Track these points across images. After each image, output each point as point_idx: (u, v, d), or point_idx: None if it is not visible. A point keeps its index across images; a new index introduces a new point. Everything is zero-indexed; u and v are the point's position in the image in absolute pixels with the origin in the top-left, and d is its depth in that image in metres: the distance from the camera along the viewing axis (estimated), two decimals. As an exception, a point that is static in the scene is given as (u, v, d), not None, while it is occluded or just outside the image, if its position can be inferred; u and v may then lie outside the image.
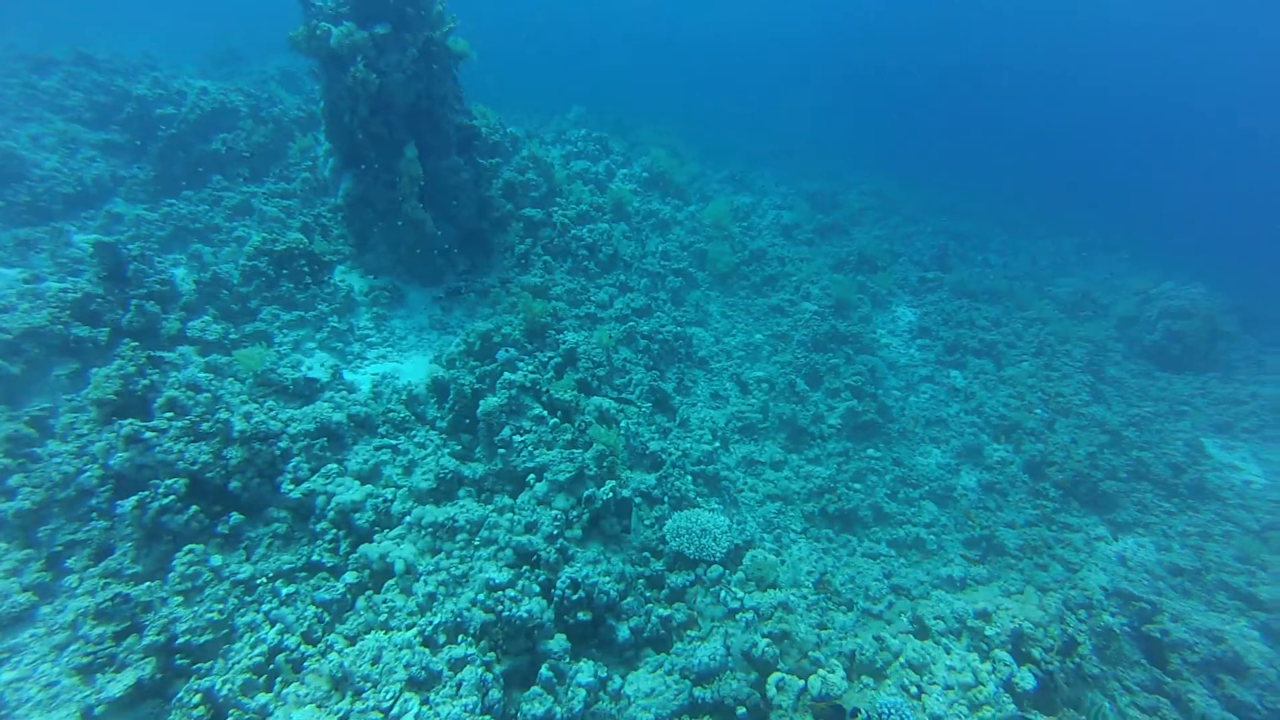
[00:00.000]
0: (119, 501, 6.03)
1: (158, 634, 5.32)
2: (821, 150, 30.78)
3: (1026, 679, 5.70)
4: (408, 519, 6.61)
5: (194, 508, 6.18)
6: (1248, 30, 52.42)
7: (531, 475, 7.30)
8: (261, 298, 9.55)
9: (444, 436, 8.03)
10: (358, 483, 7.01)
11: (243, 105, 13.75)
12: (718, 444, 9.46)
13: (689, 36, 60.81)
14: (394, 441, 7.76)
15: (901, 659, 5.70)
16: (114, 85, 14.54)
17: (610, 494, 7.01)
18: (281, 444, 7.01)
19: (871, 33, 67.19)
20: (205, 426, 6.73)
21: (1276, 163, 45.21)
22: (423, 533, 6.43)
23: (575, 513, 6.94)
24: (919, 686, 5.40)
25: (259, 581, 6.08)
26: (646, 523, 7.27)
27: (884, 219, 21.37)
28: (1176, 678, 7.56)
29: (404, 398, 8.33)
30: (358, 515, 6.65)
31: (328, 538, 6.54)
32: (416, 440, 7.85)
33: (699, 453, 8.99)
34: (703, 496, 8.48)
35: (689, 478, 8.48)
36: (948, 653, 5.90)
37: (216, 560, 6.06)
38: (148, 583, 5.72)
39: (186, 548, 5.95)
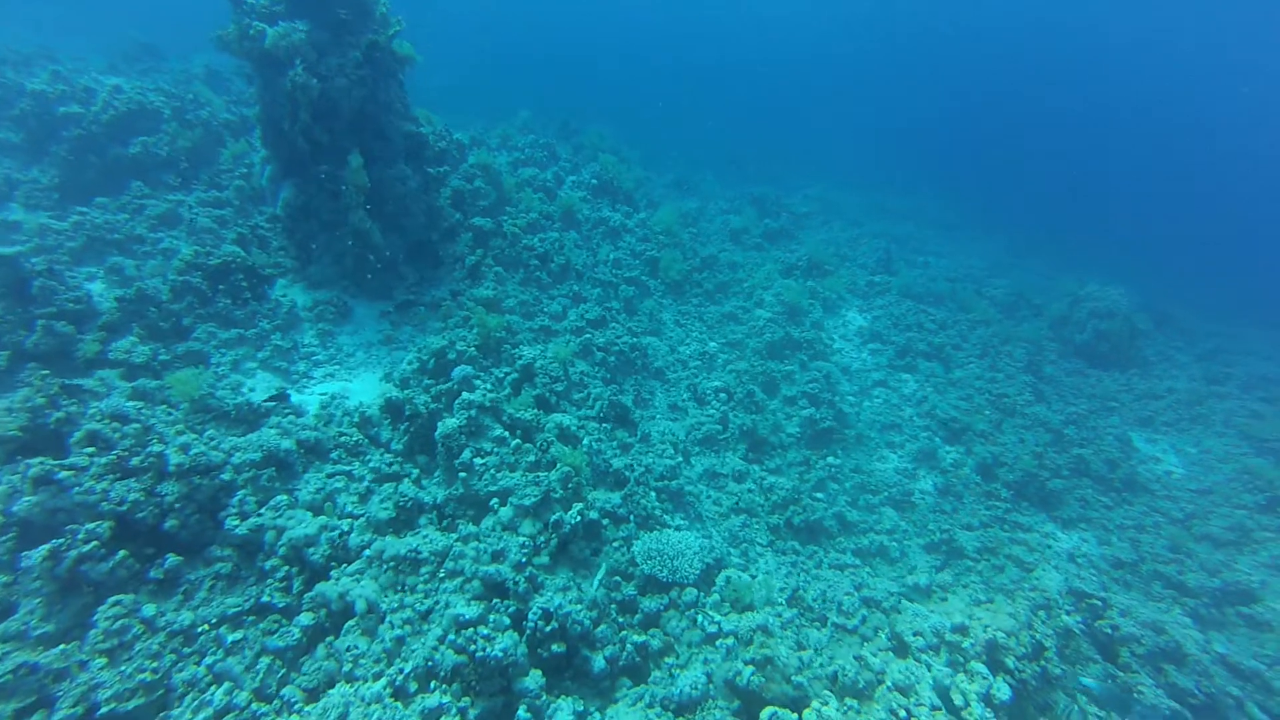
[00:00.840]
0: (23, 553, 5.37)
1: (74, 706, 4.73)
2: (762, 154, 31.26)
3: (1002, 690, 5.82)
4: (367, 552, 6.25)
5: (121, 553, 5.67)
6: (1162, 40, 55.95)
7: (495, 499, 7.03)
8: (195, 315, 8.94)
9: (401, 460, 7.66)
10: (310, 515, 6.60)
11: (165, 107, 12.86)
12: (680, 458, 9.37)
13: (629, 38, 60.79)
14: (348, 468, 7.37)
15: (888, 682, 5.72)
16: (2, 78, 13.33)
17: (578, 517, 6.82)
18: (224, 476, 6.54)
19: (803, 37, 68.76)
20: (135, 461, 6.20)
21: (1178, 168, 48.50)
22: (384, 567, 6.09)
23: (543, 538, 6.72)
24: (907, 710, 5.42)
25: (200, 629, 5.63)
26: (615, 545, 7.10)
27: (828, 223, 21.81)
28: (1127, 670, 7.88)
29: (356, 420, 7.92)
30: (312, 550, 6.25)
31: (279, 576, 6.13)
32: (372, 465, 7.47)
33: (661, 468, 8.89)
34: (667, 513, 8.37)
35: (653, 494, 8.36)
36: (929, 669, 5.96)
37: (149, 610, 5.57)
38: (62, 645, 5.06)
39: (112, 599, 5.43)
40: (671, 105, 38.64)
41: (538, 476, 7.08)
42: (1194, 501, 11.92)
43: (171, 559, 5.88)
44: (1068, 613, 8.10)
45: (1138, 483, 11.96)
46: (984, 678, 5.88)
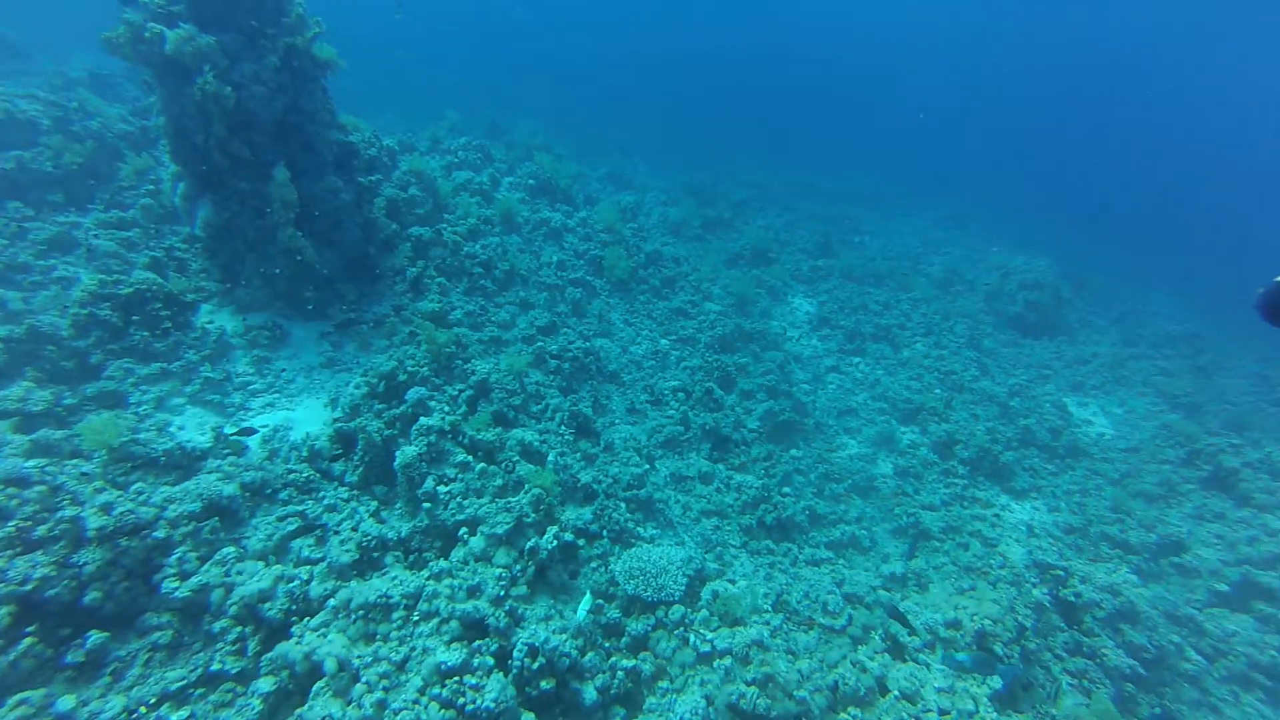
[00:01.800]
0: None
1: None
2: (694, 141, 31.24)
3: (994, 679, 5.92)
4: (332, 602, 5.81)
5: (26, 640, 5.06)
6: (1083, 22, 58.89)
7: (464, 529, 6.68)
8: (105, 351, 8.14)
9: (357, 494, 7.19)
10: (263, 565, 6.10)
11: (42, 116, 11.64)
12: (645, 464, 9.19)
13: (552, 32, 59.69)
14: (300, 508, 6.84)
15: (894, 690, 5.72)
16: None
17: (554, 541, 6.55)
18: (158, 533, 5.96)
19: (723, 21, 69.20)
20: (42, 531, 5.56)
21: (1087, 141, 51.41)
22: (353, 617, 5.68)
23: (519, 567, 6.42)
24: (916, 719, 5.44)
25: (137, 713, 5.08)
26: (593, 565, 6.87)
27: (764, 209, 21.94)
28: (1090, 635, 8.22)
29: (305, 454, 7.39)
30: (267, 606, 5.77)
31: (230, 638, 5.63)
32: (327, 503, 6.97)
33: (628, 476, 8.68)
34: (639, 523, 8.18)
35: (623, 505, 8.15)
36: (928, 668, 6.01)
37: (67, 703, 4.96)
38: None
39: (14, 699, 4.81)
40: (600, 96, 38.18)
41: (508, 502, 6.76)
42: (1126, 461, 12.58)
43: (95, 637, 5.27)
44: (1034, 586, 8.38)
45: (1079, 447, 12.54)
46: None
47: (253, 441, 7.74)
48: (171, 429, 7.65)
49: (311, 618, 5.77)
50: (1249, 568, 9.81)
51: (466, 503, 6.83)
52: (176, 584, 5.76)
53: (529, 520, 6.69)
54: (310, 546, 6.49)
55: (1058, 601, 8.24)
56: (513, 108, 23.79)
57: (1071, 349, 16.78)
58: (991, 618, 6.63)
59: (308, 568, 6.21)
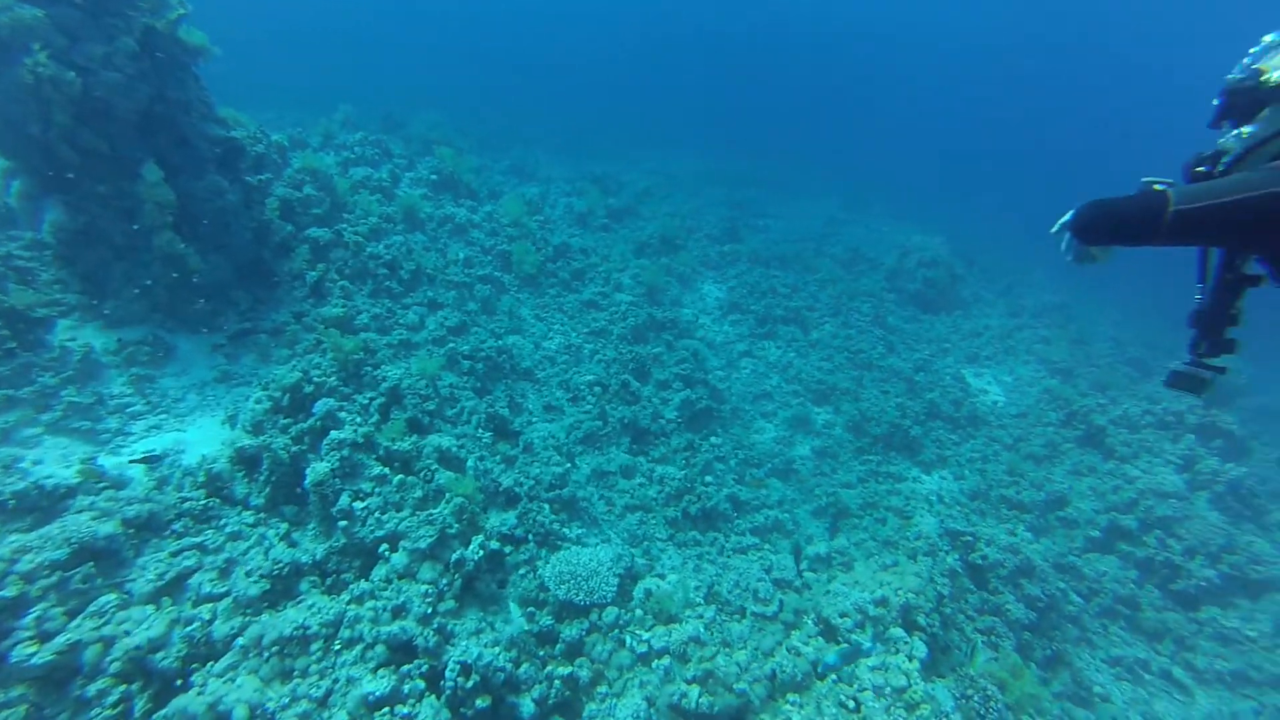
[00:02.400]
0: None
1: None
2: (595, 129, 31.12)
3: (919, 649, 6.34)
4: (240, 641, 5.47)
5: None
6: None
7: (384, 545, 6.46)
8: (-66, 381, 7.27)
9: (265, 517, 6.79)
10: (153, 609, 5.66)
11: None
12: (566, 462, 9.18)
13: (446, 20, 57.58)
14: (198, 539, 6.39)
15: (830, 675, 5.99)
16: None
17: (480, 552, 6.45)
18: (7, 592, 5.37)
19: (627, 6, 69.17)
20: None
21: (975, 126, 55.08)
22: (265, 655, 5.37)
23: (445, 581, 6.28)
24: (855, 700, 5.73)
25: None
26: (521, 572, 6.81)
27: (670, 196, 22.14)
28: (996, 594, 8.95)
29: (201, 478, 6.88)
30: (160, 656, 5.36)
31: (110, 701, 5.08)
32: (229, 531, 6.54)
33: (550, 476, 8.66)
34: (563, 524, 8.18)
35: (546, 506, 8.12)
36: (865, 654, 6.34)
37: None
38: None
39: None
40: (502, 87, 37.31)
41: (430, 514, 6.58)
42: (1017, 426, 13.68)
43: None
44: (946, 553, 9.00)
45: (978, 416, 13.51)
46: (905, 642, 6.38)
47: (136, 470, 7.15)
48: (23, 465, 6.91)
49: (216, 662, 5.41)
50: (1115, 514, 10.96)
51: (385, 517, 6.60)
52: (34, 649, 5.17)
53: (452, 531, 6.55)
54: (212, 581, 6.07)
55: (967, 565, 8.91)
56: (410, 99, 22.84)
57: (966, 322, 18.01)
58: (914, 590, 7.08)
59: (209, 605, 5.80)
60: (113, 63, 8.00)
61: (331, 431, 7.14)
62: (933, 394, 13.63)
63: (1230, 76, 2.57)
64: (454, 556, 6.38)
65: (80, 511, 6.31)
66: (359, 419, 7.69)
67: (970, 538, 9.24)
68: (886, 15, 67.94)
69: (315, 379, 7.80)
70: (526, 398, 10.52)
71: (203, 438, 7.98)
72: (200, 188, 8.77)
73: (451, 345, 9.98)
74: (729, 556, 8.69)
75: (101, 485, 6.76)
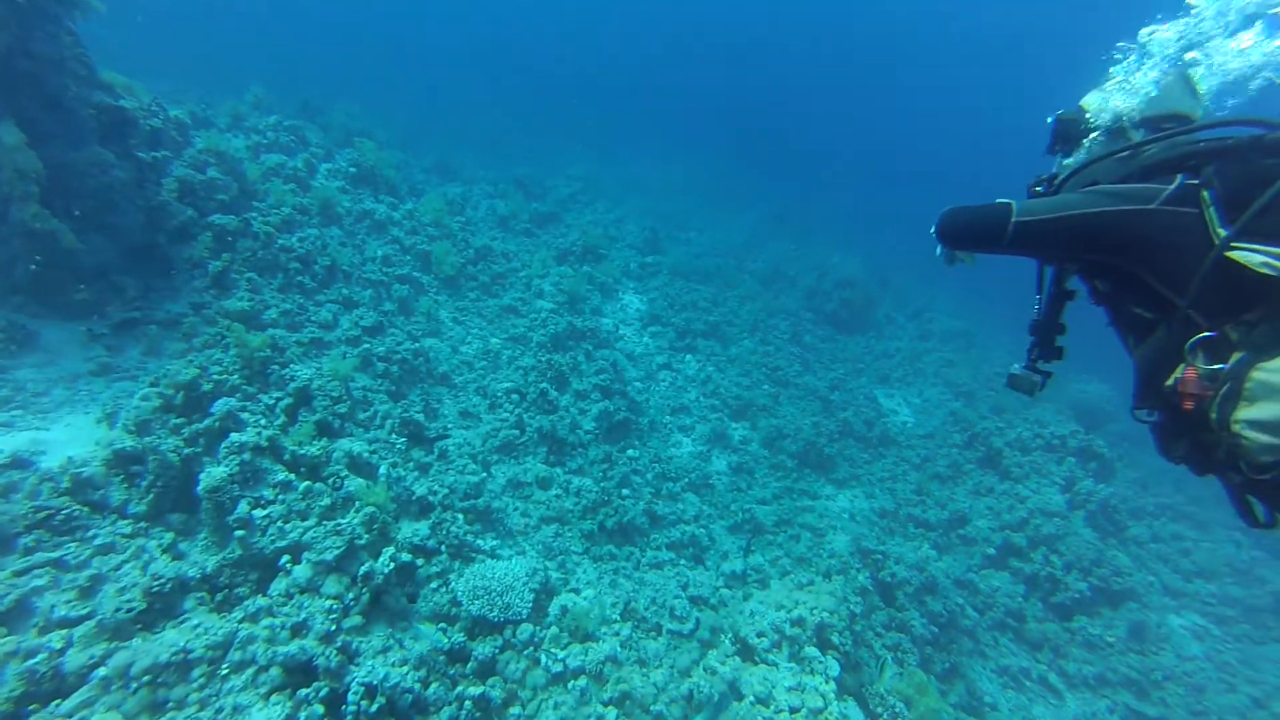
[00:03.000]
0: None
1: None
2: (521, 130, 30.84)
3: (833, 667, 6.62)
4: (100, 672, 5.04)
5: None
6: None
7: (285, 557, 6.17)
8: None
9: (146, 527, 6.34)
10: (-6, 637, 5.16)
11: None
12: (484, 472, 9.06)
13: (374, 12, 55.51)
14: (54, 554, 5.89)
15: (749, 695, 6.15)
16: None
17: (390, 564, 6.27)
18: None
19: (554, 14, 69.03)
20: None
21: (891, 150, 58.11)
22: (133, 686, 5.00)
23: (352, 595, 6.06)
24: None
25: None
26: (433, 586, 6.67)
27: (592, 203, 22.22)
28: (902, 610, 9.46)
29: (64, 484, 6.34)
30: (-3, 694, 4.86)
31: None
32: (98, 544, 6.06)
33: (465, 485, 8.53)
34: (477, 535, 8.07)
35: (460, 516, 7.99)
36: (775, 668, 6.55)
37: None
38: None
39: None
40: (427, 82, 36.38)
41: (338, 523, 6.34)
42: (925, 446, 14.53)
43: None
44: (858, 570, 9.45)
45: (889, 436, 14.25)
46: (819, 661, 6.66)
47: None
48: None
49: (64, 700, 4.93)
50: (1008, 532, 11.85)
51: (288, 527, 6.31)
52: None
53: (362, 542, 6.34)
54: (69, 603, 5.56)
55: (877, 583, 9.39)
56: (330, 87, 21.87)
57: (879, 343, 18.99)
58: (829, 610, 7.41)
59: (61, 633, 5.32)
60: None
61: (231, 434, 6.77)
62: (846, 413, 14.29)
63: (1059, 112, 2.97)
64: (362, 569, 6.17)
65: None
66: (263, 420, 7.32)
67: (880, 556, 9.75)
68: (820, 34, 70.88)
69: (215, 376, 7.37)
70: (442, 403, 10.31)
71: (70, 438, 7.35)
72: (79, 159, 8.13)
73: (366, 346, 9.66)
74: (645, 571, 8.81)
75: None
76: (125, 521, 6.43)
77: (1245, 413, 1.87)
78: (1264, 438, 1.83)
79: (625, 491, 10.10)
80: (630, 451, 11.10)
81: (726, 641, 7.04)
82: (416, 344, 10.50)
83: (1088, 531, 12.05)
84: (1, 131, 7.16)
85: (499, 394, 10.78)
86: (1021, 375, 3.20)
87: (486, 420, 10.35)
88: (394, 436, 8.54)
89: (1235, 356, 1.96)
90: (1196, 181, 2.19)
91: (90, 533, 6.18)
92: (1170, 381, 2.16)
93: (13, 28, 7.40)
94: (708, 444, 12.46)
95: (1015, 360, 3.30)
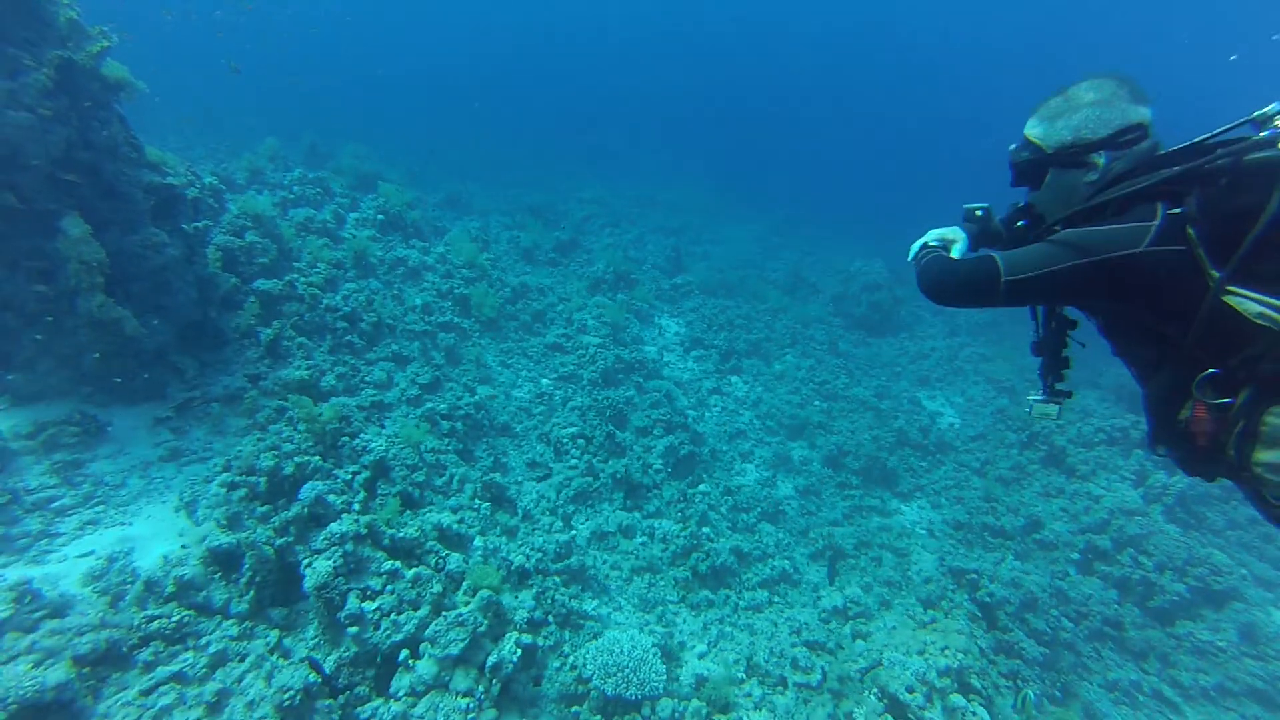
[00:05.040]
0: None
1: None
2: (522, 156, 30.68)
3: (983, 714, 6.33)
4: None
5: None
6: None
7: (404, 651, 5.85)
8: None
9: (250, 625, 6.02)
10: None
11: None
12: (568, 528, 8.76)
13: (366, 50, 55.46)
14: (174, 667, 5.56)
15: None
16: None
17: (517, 651, 5.95)
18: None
19: (544, 36, 69.34)
20: None
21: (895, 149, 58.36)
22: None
23: (482, 689, 5.74)
24: None
25: None
26: (555, 665, 6.36)
27: (608, 225, 22.03)
28: (1006, 632, 9.17)
29: (168, 589, 6.02)
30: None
31: None
32: (212, 651, 5.74)
33: (554, 546, 8.22)
34: (577, 599, 7.77)
35: (556, 579, 7.69)
36: None
37: None
38: None
39: None
40: (423, 114, 36.27)
41: (459, 614, 6.01)
42: (981, 449, 14.27)
43: None
44: (953, 591, 9.17)
45: (945, 442, 14.00)
46: (971, 713, 6.37)
47: (69, 579, 6.17)
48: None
49: None
50: (1090, 534, 11.57)
51: (402, 619, 5.99)
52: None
53: (482, 630, 6.02)
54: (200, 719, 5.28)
55: (977, 604, 9.10)
56: (331, 129, 21.59)
57: (913, 344, 18.77)
58: (963, 650, 7.12)
59: None
60: (20, 100, 7.07)
61: (330, 524, 6.46)
62: (898, 421, 14.04)
63: (1011, 148, 2.86)
64: (489, 660, 5.86)
65: (14, 657, 5.35)
66: (349, 502, 7.02)
67: (975, 575, 9.47)
68: (817, 37, 71.33)
69: (296, 459, 7.05)
70: (508, 455, 10.01)
71: (153, 531, 7.06)
72: (134, 243, 7.84)
73: (430, 405, 9.36)
74: (745, 615, 8.51)
75: (37, 613, 5.79)
76: (230, 622, 6.12)
77: (1265, 456, 1.94)
78: None
79: (706, 530, 9.81)
80: (702, 486, 10.82)
81: (871, 698, 6.72)
82: (475, 396, 10.20)
83: (1171, 528, 11.80)
84: (67, 225, 6.86)
85: (564, 440, 10.48)
86: (1043, 405, 3.18)
87: (556, 469, 10.06)
88: (477, 501, 8.22)
89: (1243, 393, 2.01)
90: (1180, 211, 2.15)
91: (203, 640, 5.87)
92: (1183, 417, 2.20)
93: (73, 121, 7.14)
94: (771, 469, 12.19)
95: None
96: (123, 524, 7.03)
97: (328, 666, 5.75)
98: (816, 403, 14.09)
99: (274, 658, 5.80)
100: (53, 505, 6.95)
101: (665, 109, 58.82)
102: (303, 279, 9.90)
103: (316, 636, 6.06)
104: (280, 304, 9.41)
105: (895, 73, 70.15)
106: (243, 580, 6.25)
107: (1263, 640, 10.14)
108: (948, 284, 2.68)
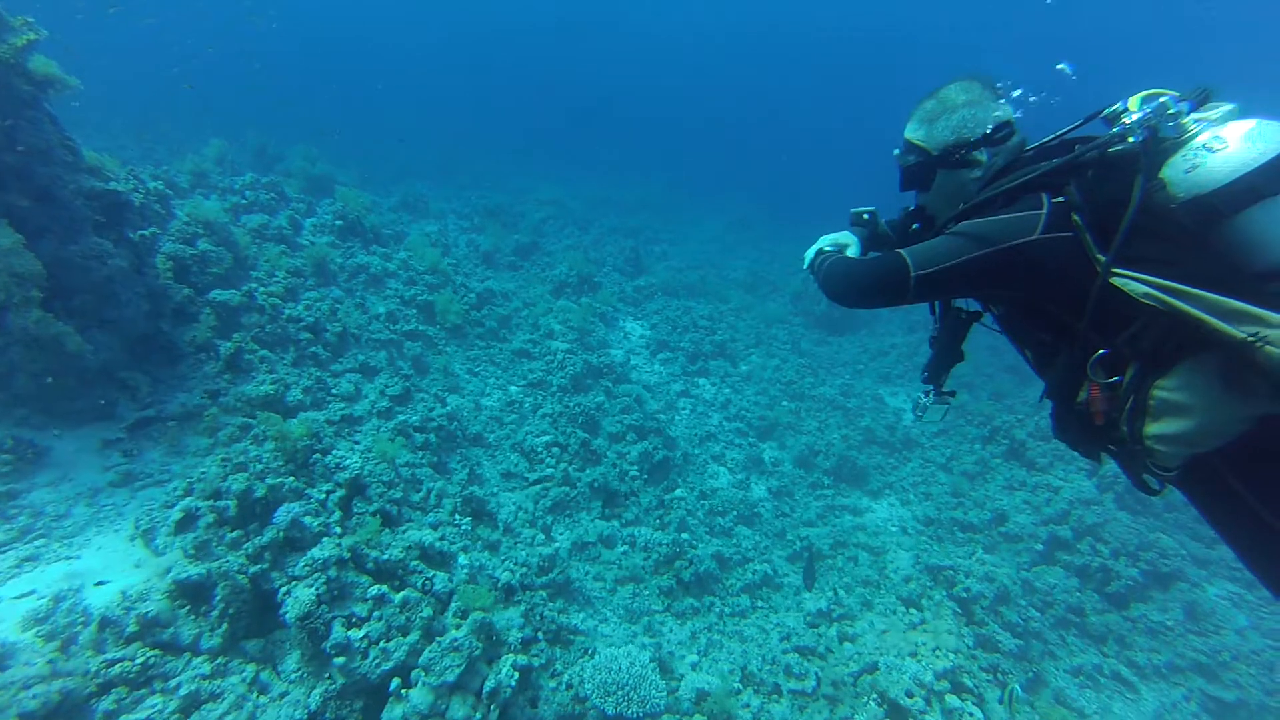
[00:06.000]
0: None
1: None
2: (469, 154, 30.13)
3: (977, 714, 6.47)
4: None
5: None
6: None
7: (395, 680, 5.64)
8: None
9: (224, 660, 5.72)
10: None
11: None
12: (550, 541, 8.63)
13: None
14: (141, 715, 5.23)
15: None
16: None
17: (514, 675, 5.81)
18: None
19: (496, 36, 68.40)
20: None
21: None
22: None
23: (480, 715, 5.58)
24: None
25: None
26: (551, 685, 6.23)
27: (565, 227, 21.84)
28: (982, 626, 9.43)
29: (131, 628, 5.66)
30: None
31: None
32: (183, 694, 5.42)
33: (538, 559, 8.09)
34: (562, 611, 7.65)
35: (543, 594, 7.56)
36: None
37: None
38: None
39: None
40: (367, 111, 35.21)
41: (454, 639, 5.82)
42: (944, 445, 14.66)
43: None
44: (930, 588, 9.37)
45: (911, 439, 14.32)
46: (968, 714, 6.50)
47: (11, 630, 5.73)
48: None
49: None
50: (1052, 525, 12.01)
51: (391, 646, 5.77)
52: None
53: (478, 653, 5.85)
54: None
55: (954, 600, 9.33)
56: (283, 132, 20.70)
57: (873, 341, 19.15)
58: (954, 650, 7.27)
59: None
60: (-57, 102, 6.58)
61: (306, 548, 6.18)
62: (865, 419, 14.30)
63: (895, 153, 3.02)
64: (486, 685, 5.70)
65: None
66: (326, 523, 6.73)
67: (951, 571, 9.71)
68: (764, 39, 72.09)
69: (269, 481, 6.72)
70: (482, 466, 9.80)
71: (105, 563, 6.63)
72: (74, 253, 7.34)
73: (401, 417, 9.08)
74: (731, 621, 8.53)
75: (-3, 661, 5.38)
76: (201, 658, 5.80)
77: (1153, 429, 2.08)
78: (1172, 449, 2.08)
79: (684, 536, 9.79)
80: (678, 492, 10.81)
81: (871, 704, 6.78)
82: (446, 407, 9.96)
83: (1123, 514, 12.33)
84: (-4, 235, 6.37)
85: (538, 448, 10.32)
86: (931, 404, 3.43)
87: (532, 479, 9.89)
88: (457, 517, 8.01)
89: (1129, 370, 2.15)
90: (1062, 200, 2.30)
91: (172, 681, 5.54)
92: (1080, 399, 2.32)
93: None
94: (744, 471, 12.26)
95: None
96: (68, 558, 6.56)
97: (313, 701, 5.50)
98: (784, 403, 14.24)
99: (254, 695, 5.52)
100: (-12, 540, 6.47)
101: (613, 106, 58.77)
102: (262, 289, 9.47)
103: (299, 669, 5.80)
104: (239, 315, 8.98)
105: (849, 68, 71.62)
106: (214, 613, 5.92)
107: (1202, 616, 10.73)
108: (857, 285, 2.75)
